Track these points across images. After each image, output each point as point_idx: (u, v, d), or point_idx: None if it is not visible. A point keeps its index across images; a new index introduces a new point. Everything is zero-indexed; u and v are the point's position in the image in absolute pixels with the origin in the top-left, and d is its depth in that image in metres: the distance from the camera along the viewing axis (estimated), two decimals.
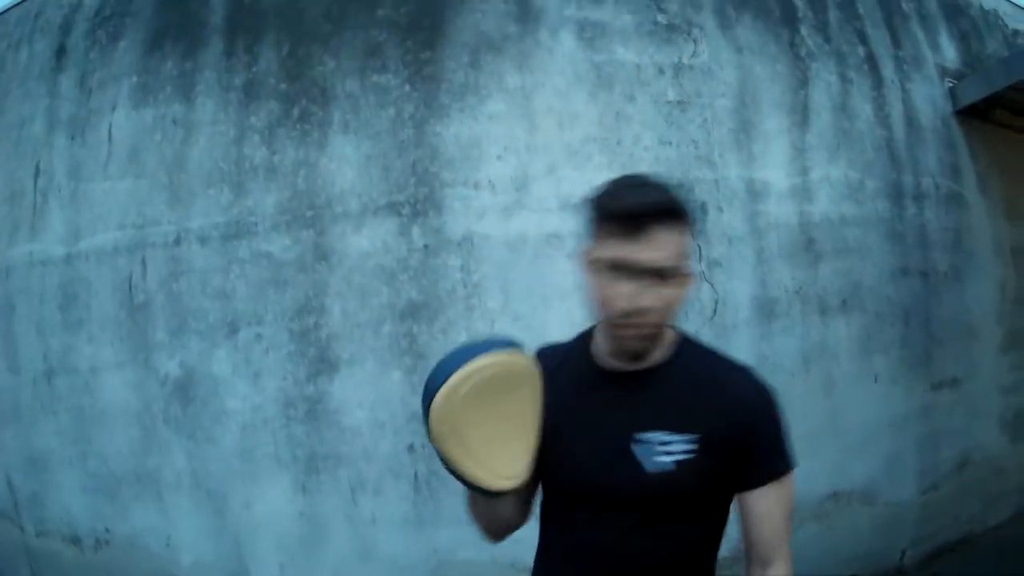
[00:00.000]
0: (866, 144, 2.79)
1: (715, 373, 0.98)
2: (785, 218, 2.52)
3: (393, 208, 2.31)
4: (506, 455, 0.92)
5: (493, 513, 1.04)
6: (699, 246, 2.39)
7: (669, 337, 0.99)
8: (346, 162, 2.37)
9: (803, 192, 2.58)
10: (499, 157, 2.33)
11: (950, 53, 3.28)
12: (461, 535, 2.30)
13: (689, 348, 1.01)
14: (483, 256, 2.25)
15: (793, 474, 0.98)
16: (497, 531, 1.07)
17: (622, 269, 0.87)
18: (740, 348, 2.42)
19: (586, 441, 0.98)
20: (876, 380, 2.65)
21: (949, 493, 2.95)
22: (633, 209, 0.86)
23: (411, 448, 2.28)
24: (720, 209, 2.43)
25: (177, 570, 2.65)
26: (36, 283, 2.96)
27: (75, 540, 2.95)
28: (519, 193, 2.32)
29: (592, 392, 0.99)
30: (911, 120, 2.98)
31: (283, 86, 2.51)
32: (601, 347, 1.00)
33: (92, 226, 2.78)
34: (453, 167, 2.31)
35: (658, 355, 0.97)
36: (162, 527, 2.65)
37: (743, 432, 0.94)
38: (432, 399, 0.88)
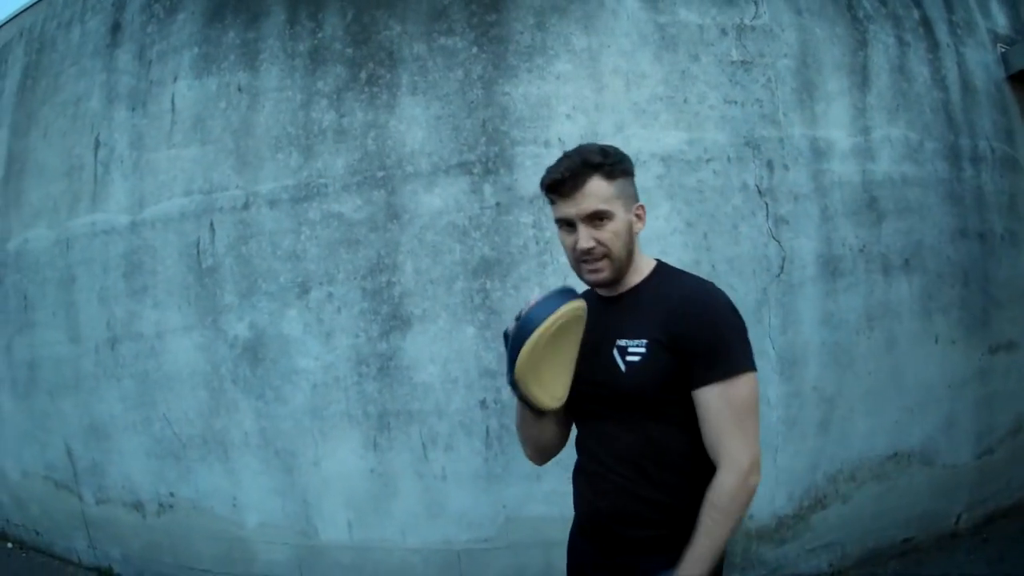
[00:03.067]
0: (924, 106, 2.79)
1: (673, 289, 1.15)
2: (848, 177, 2.53)
3: (464, 167, 2.34)
4: (560, 381, 1.15)
5: (541, 433, 1.26)
6: (766, 203, 2.41)
7: (646, 265, 1.20)
8: (416, 123, 2.40)
9: (865, 151, 2.59)
10: (568, 116, 2.35)
11: (1000, 19, 3.28)
12: (531, 491, 2.32)
13: (662, 273, 1.20)
14: None
15: (747, 377, 1.08)
16: (543, 451, 1.30)
17: (567, 223, 1.13)
18: (806, 305, 2.44)
19: (586, 352, 1.17)
20: (936, 341, 2.66)
21: (1004, 458, 2.94)
22: (556, 177, 1.10)
23: (483, 403, 2.30)
24: (786, 167, 2.44)
25: (242, 531, 2.69)
26: (99, 253, 3.01)
27: (137, 506, 2.99)
28: None
29: (593, 315, 1.18)
30: (966, 84, 2.98)
31: (349, 51, 2.54)
32: None
33: (157, 194, 2.82)
34: (523, 126, 2.33)
35: (634, 279, 1.18)
36: (228, 489, 2.69)
37: (685, 335, 1.08)
38: (523, 342, 1.09)
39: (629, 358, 1.12)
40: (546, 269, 2.28)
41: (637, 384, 1.10)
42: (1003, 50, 3.20)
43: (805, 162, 2.47)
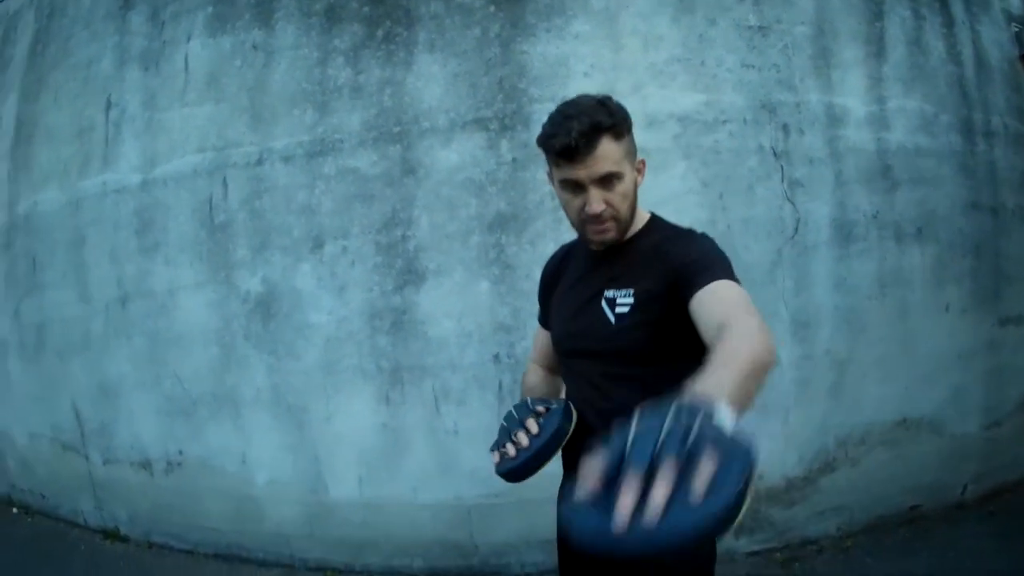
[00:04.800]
0: (939, 79, 2.80)
1: (665, 241, 1.12)
2: (863, 144, 2.53)
3: (481, 123, 2.34)
4: None
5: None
6: (781, 166, 2.41)
7: (641, 219, 1.17)
8: (433, 80, 2.40)
9: (880, 120, 2.59)
10: (585, 75, 2.35)
11: None
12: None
13: (655, 226, 1.18)
14: None
15: (733, 282, 0.99)
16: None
17: (574, 185, 1.07)
18: (819, 268, 2.44)
19: (571, 303, 1.18)
20: (947, 310, 2.66)
21: (1011, 432, 2.95)
22: (567, 144, 1.03)
23: (496, 358, 2.31)
24: (801, 131, 2.45)
25: (252, 488, 2.69)
26: (109, 212, 3.01)
27: (145, 465, 2.99)
28: None
29: (583, 268, 1.20)
30: (980, 60, 2.98)
31: (366, 9, 2.54)
32: None
33: (169, 152, 2.82)
34: (540, 84, 2.34)
35: (628, 234, 1.15)
36: (238, 446, 2.69)
37: (672, 268, 1.06)
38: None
39: (618, 309, 1.10)
40: (561, 225, 2.28)
41: (629, 336, 1.08)
42: (1016, 29, 3.20)
43: (821, 127, 2.48)
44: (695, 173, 2.34)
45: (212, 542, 2.86)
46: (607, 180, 1.06)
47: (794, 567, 2.52)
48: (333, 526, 2.56)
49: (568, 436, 1.12)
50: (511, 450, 1.11)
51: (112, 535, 3.25)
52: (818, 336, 2.42)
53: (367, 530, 2.52)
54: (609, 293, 1.11)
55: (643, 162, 1.14)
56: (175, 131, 2.82)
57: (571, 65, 2.35)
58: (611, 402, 1.11)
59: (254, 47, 2.70)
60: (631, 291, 1.09)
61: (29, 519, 3.65)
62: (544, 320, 1.34)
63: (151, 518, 3.05)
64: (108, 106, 3.13)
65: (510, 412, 1.18)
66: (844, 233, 2.47)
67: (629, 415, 1.03)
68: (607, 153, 1.05)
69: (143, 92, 2.98)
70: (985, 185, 2.84)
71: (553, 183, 1.12)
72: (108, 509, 3.24)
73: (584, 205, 1.07)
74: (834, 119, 2.51)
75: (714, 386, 0.73)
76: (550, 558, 2.51)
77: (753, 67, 2.45)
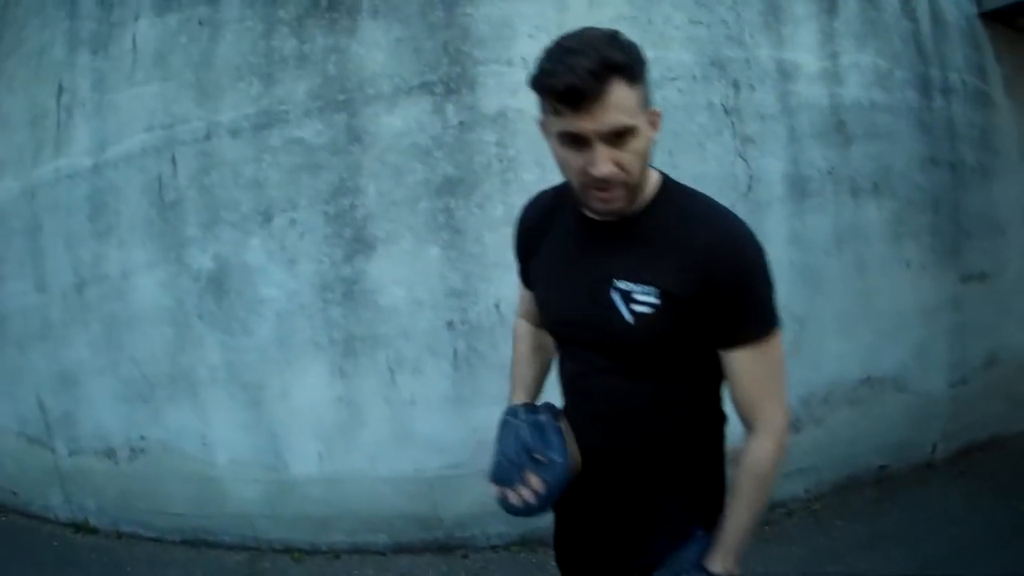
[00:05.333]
0: (893, 35, 2.78)
1: (689, 222, 0.94)
2: (816, 99, 2.52)
3: (426, 87, 2.31)
4: None
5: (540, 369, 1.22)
6: (732, 122, 2.39)
7: (653, 182, 0.97)
8: (376, 46, 2.36)
9: (833, 76, 2.57)
10: (530, 36, 2.32)
11: None
12: (500, 413, 2.30)
13: (670, 194, 0.98)
14: (518, 130, 2.24)
15: (776, 334, 0.94)
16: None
17: (576, 140, 0.86)
18: (774, 224, 2.42)
19: (569, 283, 1.01)
20: (908, 266, 2.65)
21: (978, 390, 2.95)
22: (568, 82, 0.81)
23: (450, 324, 2.28)
24: (752, 87, 2.43)
25: (213, 470, 2.66)
26: (63, 198, 2.96)
27: (109, 453, 2.96)
28: None
29: (579, 237, 1.00)
30: (936, 16, 2.97)
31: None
32: None
33: (119, 133, 2.78)
34: (485, 46, 2.31)
35: (639, 203, 0.95)
36: (197, 427, 2.66)
37: (715, 293, 0.90)
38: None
39: (637, 308, 0.93)
40: (510, 187, 2.26)
41: (648, 339, 0.94)
42: None
43: (772, 83, 2.46)
44: None
45: (178, 528, 2.82)
46: (618, 136, 0.85)
47: (764, 531, 2.50)
48: (294, 504, 2.53)
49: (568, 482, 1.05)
50: (515, 501, 1.01)
51: (82, 527, 3.21)
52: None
53: (329, 507, 2.50)
54: (623, 284, 0.94)
55: (658, 113, 0.92)
56: (124, 112, 2.78)
57: (515, 26, 2.32)
58: (616, 398, 1.02)
59: (200, 23, 2.65)
60: (654, 289, 0.92)
61: (2, 517, 3.61)
62: (525, 280, 1.16)
63: (119, 506, 3.01)
64: (60, 91, 3.08)
65: (502, 442, 1.05)
66: (798, 189, 2.45)
67: (633, 411, 1.02)
68: (620, 101, 0.83)
69: (93, 75, 2.94)
70: (943, 140, 2.83)
71: (546, 134, 0.91)
72: (77, 501, 3.20)
73: (587, 166, 0.86)
74: (785, 75, 2.49)
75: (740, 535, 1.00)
76: (515, 529, 2.51)
77: (701, 23, 2.43)
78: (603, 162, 0.85)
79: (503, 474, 1.03)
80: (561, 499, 1.08)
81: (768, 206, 2.40)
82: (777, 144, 2.43)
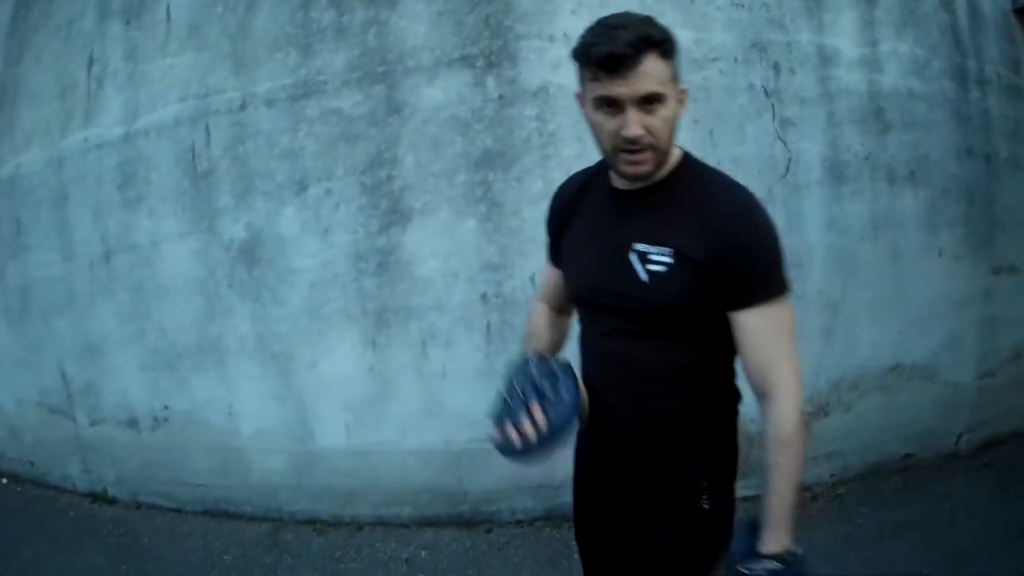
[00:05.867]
0: (931, 26, 2.76)
1: (706, 193, 1.03)
2: (855, 85, 2.50)
3: (466, 60, 2.30)
4: None
5: (557, 335, 1.27)
6: (772, 104, 2.38)
7: (675, 157, 1.06)
8: (417, 19, 2.35)
9: (872, 62, 2.56)
10: (573, 12, 2.31)
11: None
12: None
13: (690, 169, 1.07)
14: (559, 106, 2.23)
15: (785, 298, 1.01)
16: (553, 348, 1.26)
17: (611, 104, 0.96)
18: (811, 208, 2.41)
19: (593, 250, 1.09)
20: (940, 255, 2.64)
21: (1005, 382, 2.93)
22: (615, 51, 0.92)
23: (484, 297, 2.27)
24: (792, 71, 2.41)
25: (238, 441, 2.66)
26: (92, 168, 2.96)
27: (132, 423, 2.96)
28: None
29: (605, 209, 1.09)
30: (974, 9, 2.95)
31: None
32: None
33: (151, 103, 2.77)
34: (527, 20, 2.29)
35: (662, 173, 1.03)
36: (223, 397, 2.65)
37: (727, 257, 0.98)
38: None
39: (652, 267, 1.00)
40: (549, 162, 2.25)
41: (661, 298, 1.00)
42: None
43: (812, 67, 2.44)
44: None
45: (199, 498, 2.82)
46: (649, 101, 0.94)
47: None
48: (321, 476, 2.52)
49: (575, 429, 1.07)
50: (514, 438, 1.02)
51: (100, 498, 3.21)
52: (810, 276, 2.39)
53: (355, 479, 2.49)
54: (640, 246, 1.02)
55: (686, 92, 1.02)
56: (156, 82, 2.77)
57: (557, 2, 2.31)
58: (635, 362, 1.06)
59: None
60: (669, 249, 1.00)
61: (18, 488, 3.61)
62: (554, 257, 1.22)
63: (138, 477, 3.01)
64: (90, 62, 3.07)
65: (510, 381, 1.09)
66: (836, 173, 2.44)
67: (651, 374, 1.06)
68: (653, 71, 0.94)
69: (125, 45, 2.93)
70: (978, 131, 2.81)
71: (584, 104, 1.01)
72: (96, 471, 3.20)
73: (620, 128, 0.96)
74: (825, 59, 2.48)
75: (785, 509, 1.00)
76: (540, 504, 2.50)
77: (743, 6, 2.41)
78: (634, 125, 0.95)
79: (505, 410, 1.04)
80: (577, 468, 1.14)
81: (806, 189, 2.39)
82: (816, 128, 2.41)
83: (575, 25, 2.31)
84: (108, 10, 3.04)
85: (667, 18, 2.34)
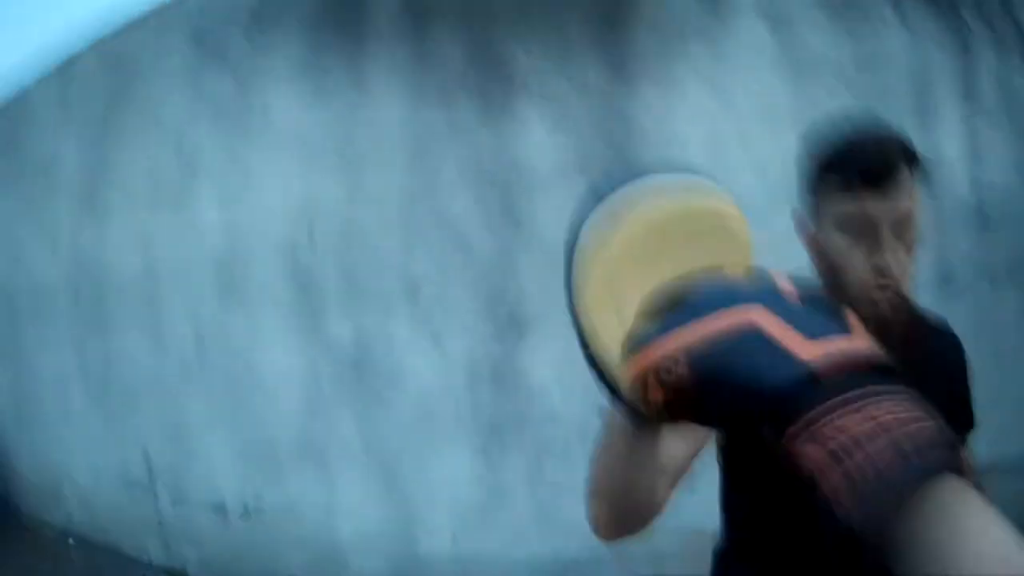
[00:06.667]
0: None
1: (948, 358, 1.02)
2: (957, 185, 2.51)
3: (584, 171, 2.31)
4: None
5: (637, 473, 0.64)
6: None
7: None
8: (534, 127, 2.37)
9: (974, 159, 2.57)
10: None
11: None
12: None
13: (914, 310, 0.97)
14: None
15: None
16: (628, 513, 0.68)
17: (860, 227, 0.81)
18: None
19: None
20: None
21: None
22: (876, 160, 0.80)
23: (601, 410, 2.27)
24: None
25: (336, 538, 2.64)
26: (185, 254, 2.97)
27: (218, 508, 2.95)
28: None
29: None
30: None
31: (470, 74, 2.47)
32: None
33: (253, 196, 2.78)
34: (646, 140, 2.31)
35: None
36: (322, 495, 2.65)
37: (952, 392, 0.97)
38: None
39: None
40: None
41: None
42: None
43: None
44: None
45: None
46: (902, 226, 0.81)
47: None
48: None
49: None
50: None
51: (179, 574, 3.21)
52: None
53: None
54: None
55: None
56: (255, 176, 2.79)
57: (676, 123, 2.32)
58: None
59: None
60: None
61: (86, 553, 3.60)
62: None
63: (223, 561, 3.00)
64: (183, 151, 3.07)
65: None
66: (942, 275, 2.44)
67: None
68: (909, 188, 0.81)
69: (223, 139, 2.91)
70: None
71: (819, 226, 0.85)
72: (175, 549, 3.19)
73: (873, 254, 0.80)
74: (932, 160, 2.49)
75: None
76: None
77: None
78: (891, 252, 0.80)
79: None
80: None
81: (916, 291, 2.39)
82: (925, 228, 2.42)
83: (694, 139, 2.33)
84: (205, 105, 2.96)
85: (786, 138, 2.37)
